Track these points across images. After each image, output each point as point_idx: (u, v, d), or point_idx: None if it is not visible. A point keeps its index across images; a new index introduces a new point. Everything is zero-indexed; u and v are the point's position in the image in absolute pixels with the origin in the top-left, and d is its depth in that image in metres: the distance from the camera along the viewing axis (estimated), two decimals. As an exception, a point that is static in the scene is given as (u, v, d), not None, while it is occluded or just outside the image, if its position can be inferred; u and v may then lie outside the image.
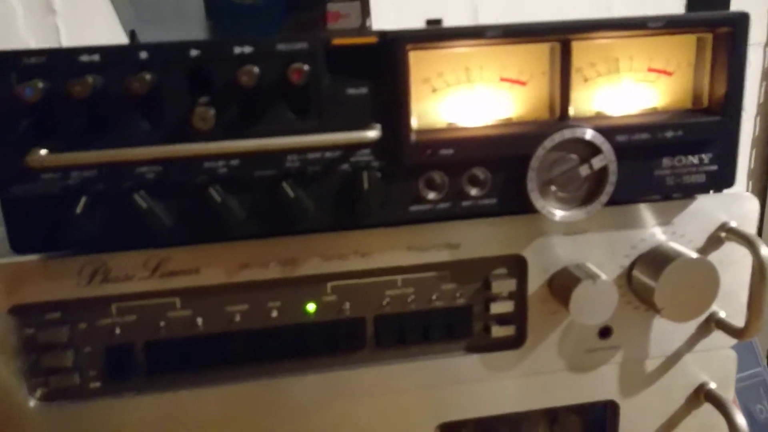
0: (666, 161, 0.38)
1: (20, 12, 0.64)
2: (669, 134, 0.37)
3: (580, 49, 0.37)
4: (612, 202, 0.38)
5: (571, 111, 0.38)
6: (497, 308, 0.41)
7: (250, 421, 0.40)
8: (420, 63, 0.35)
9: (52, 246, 0.35)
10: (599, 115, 0.39)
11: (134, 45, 0.32)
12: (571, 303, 0.38)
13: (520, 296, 0.41)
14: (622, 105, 0.39)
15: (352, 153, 0.35)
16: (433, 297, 0.41)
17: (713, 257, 0.42)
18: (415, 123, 0.36)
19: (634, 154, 0.37)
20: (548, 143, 0.36)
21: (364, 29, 0.55)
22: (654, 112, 0.39)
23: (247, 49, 0.33)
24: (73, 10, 0.65)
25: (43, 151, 0.32)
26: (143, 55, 0.32)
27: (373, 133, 0.34)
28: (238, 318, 0.39)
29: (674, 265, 0.39)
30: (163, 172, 0.34)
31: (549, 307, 0.41)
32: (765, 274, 0.39)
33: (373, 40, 0.34)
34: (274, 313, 0.39)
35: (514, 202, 0.38)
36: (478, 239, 0.40)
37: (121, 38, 0.64)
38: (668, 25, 0.36)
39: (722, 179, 0.39)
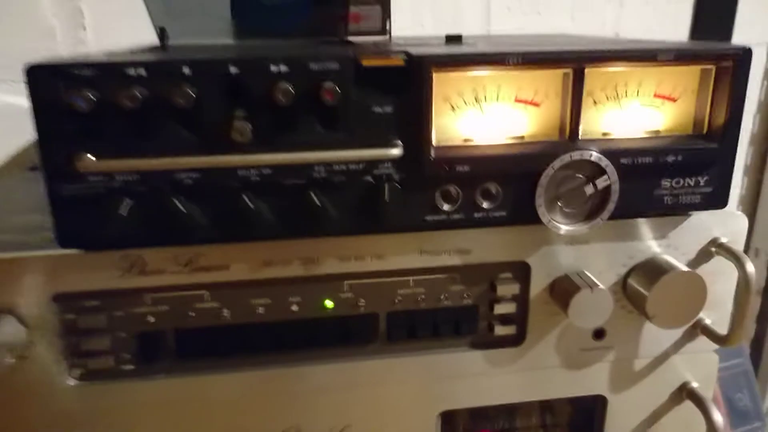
0: (665, 182, 0.41)
1: (45, -6, 0.65)
2: (670, 158, 0.40)
3: (593, 75, 0.39)
4: (612, 216, 0.41)
5: (580, 131, 0.40)
6: (501, 309, 0.44)
7: (268, 404, 0.44)
8: (441, 83, 0.38)
9: (95, 242, 0.37)
10: (606, 136, 0.41)
11: (177, 60, 0.35)
12: (570, 308, 0.42)
13: (522, 299, 0.44)
14: (628, 127, 0.41)
15: (375, 166, 0.38)
16: (442, 297, 0.44)
17: (703, 269, 0.45)
18: (433, 138, 0.38)
19: (636, 175, 0.40)
20: (557, 163, 0.39)
21: (384, 32, 0.57)
22: (657, 134, 0.42)
23: (283, 68, 0.35)
24: (97, -6, 0.67)
25: (91, 157, 0.35)
26: (186, 70, 0.35)
27: (396, 151, 0.36)
28: (261, 311, 0.42)
29: (666, 278, 0.42)
30: (200, 178, 0.36)
31: (548, 310, 0.45)
32: (749, 289, 0.43)
33: (400, 62, 0.36)
34: (295, 308, 0.43)
35: (522, 215, 0.40)
36: (486, 246, 0.43)
37: (142, 22, 0.66)
38: (677, 58, 0.38)
39: (716, 200, 0.42)
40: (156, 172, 0.36)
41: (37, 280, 0.39)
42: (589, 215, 0.41)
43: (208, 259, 0.40)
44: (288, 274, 0.41)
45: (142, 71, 0.34)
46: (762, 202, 0.98)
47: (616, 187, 0.40)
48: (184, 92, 0.34)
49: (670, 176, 0.41)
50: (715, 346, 0.47)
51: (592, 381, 0.47)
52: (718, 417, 0.47)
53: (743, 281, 0.43)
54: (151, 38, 0.60)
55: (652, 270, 0.43)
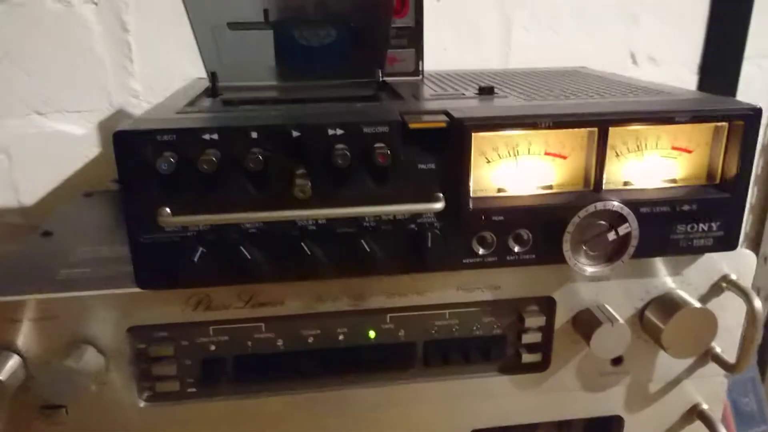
0: (681, 227, 0.45)
1: (97, 30, 0.70)
2: (685, 207, 0.44)
3: (615, 132, 0.43)
4: (632, 257, 0.45)
5: (604, 180, 0.44)
6: (528, 339, 0.49)
7: (316, 423, 0.48)
8: (479, 141, 0.42)
9: (169, 283, 0.42)
10: (627, 185, 0.45)
11: (246, 126, 0.39)
12: (592, 341, 0.46)
13: (547, 330, 0.49)
14: (648, 176, 0.45)
15: (419, 215, 0.42)
16: (474, 327, 0.48)
17: (714, 302, 0.49)
18: (471, 189, 0.43)
19: (654, 222, 0.44)
20: (583, 213, 0.43)
21: (417, 73, 0.61)
22: (674, 182, 0.46)
23: (339, 131, 0.40)
24: (145, 29, 0.71)
25: (169, 212, 0.39)
26: (254, 134, 0.39)
27: (439, 205, 0.41)
28: (311, 340, 0.47)
29: (680, 314, 0.46)
30: (264, 228, 0.41)
31: (571, 339, 0.49)
32: (756, 323, 0.47)
33: (443, 124, 0.41)
34: (341, 337, 0.47)
35: (549, 257, 0.45)
36: (515, 283, 0.47)
37: (184, 55, 0.70)
38: (692, 119, 0.42)
39: (727, 243, 0.46)
40: (225, 224, 0.40)
41: (115, 315, 0.43)
42: (611, 258, 0.45)
43: (267, 295, 0.44)
44: (336, 308, 0.46)
45: (215, 136, 0.39)
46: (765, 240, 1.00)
47: (636, 233, 0.44)
48: (252, 154, 0.39)
49: (685, 222, 0.45)
50: (724, 372, 0.51)
51: (609, 402, 0.52)
52: (725, 436, 0.51)
53: (751, 315, 0.47)
54: (192, 69, 0.65)
55: (668, 305, 0.47)
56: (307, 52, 0.58)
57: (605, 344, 0.46)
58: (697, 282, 0.49)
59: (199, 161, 0.38)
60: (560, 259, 0.45)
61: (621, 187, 0.45)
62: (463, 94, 0.50)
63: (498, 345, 0.49)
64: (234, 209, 0.40)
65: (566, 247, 0.44)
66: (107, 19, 0.70)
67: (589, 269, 0.45)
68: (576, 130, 0.43)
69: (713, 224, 0.45)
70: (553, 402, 0.51)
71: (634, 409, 0.52)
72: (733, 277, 0.48)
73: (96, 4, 0.70)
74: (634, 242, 0.44)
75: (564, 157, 0.44)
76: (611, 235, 0.44)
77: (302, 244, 0.41)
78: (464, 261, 0.44)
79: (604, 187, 0.44)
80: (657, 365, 0.51)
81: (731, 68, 0.97)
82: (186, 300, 0.44)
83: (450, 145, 0.41)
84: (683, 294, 0.48)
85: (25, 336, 0.42)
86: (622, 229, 0.43)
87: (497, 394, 0.50)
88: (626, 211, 0.43)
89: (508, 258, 0.44)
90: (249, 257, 0.41)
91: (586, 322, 0.47)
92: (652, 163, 0.45)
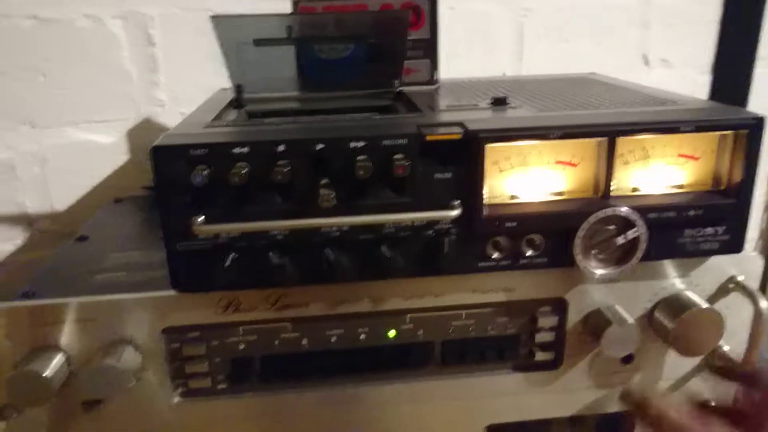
0: (687, 231, 0.47)
1: (125, 44, 0.73)
2: (692, 213, 0.46)
3: (623, 142, 0.45)
4: (640, 260, 0.47)
5: (612, 187, 0.46)
6: (540, 338, 0.51)
7: (338, 418, 0.51)
8: (492, 151, 0.44)
9: (202, 287, 0.45)
10: (635, 192, 0.47)
11: (274, 140, 0.41)
12: (602, 340, 0.48)
13: (560, 329, 0.51)
14: (655, 182, 0.47)
15: (436, 222, 0.44)
16: (489, 327, 0.51)
17: (721, 303, 0.51)
18: (484, 197, 0.45)
19: (662, 226, 0.46)
20: (593, 218, 0.45)
21: (432, 82, 0.64)
22: (681, 188, 0.48)
23: (360, 144, 0.42)
24: (170, 43, 0.74)
25: (202, 221, 0.42)
26: (281, 147, 0.42)
27: (455, 212, 0.43)
28: (334, 339, 0.49)
29: (688, 314, 0.48)
30: (290, 235, 0.43)
31: (582, 339, 0.51)
32: (761, 323, 0.48)
33: (458, 136, 0.43)
34: (363, 336, 0.50)
35: (560, 260, 0.47)
36: (529, 285, 0.49)
37: (207, 66, 0.73)
38: (697, 129, 0.44)
39: (733, 246, 0.48)
40: (255, 232, 0.43)
41: (150, 317, 0.46)
42: (620, 261, 0.47)
43: (292, 298, 0.47)
44: (358, 310, 0.48)
45: (245, 150, 0.41)
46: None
47: (644, 237, 0.46)
48: (279, 166, 0.41)
49: (692, 227, 0.47)
50: (732, 369, 0.53)
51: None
52: None
53: (757, 316, 0.49)
54: (214, 79, 0.67)
55: (676, 305, 0.49)
56: (326, 65, 0.61)
57: (615, 343, 0.48)
58: (705, 283, 0.50)
59: (230, 173, 0.40)
60: (571, 263, 0.47)
61: (629, 193, 0.47)
62: (477, 105, 0.52)
63: (512, 344, 0.51)
64: (262, 218, 0.42)
65: (577, 251, 0.46)
66: (134, 33, 0.73)
67: (599, 272, 0.47)
68: (585, 140, 0.45)
69: (719, 228, 0.47)
70: (565, 399, 0.53)
71: (644, 406, 0.54)
72: (740, 278, 0.50)
73: (124, 19, 0.73)
74: (642, 246, 0.46)
75: (574, 165, 0.46)
76: (620, 240, 0.46)
77: (326, 250, 0.44)
78: (479, 265, 0.46)
79: (612, 193, 0.46)
80: (666, 364, 0.53)
81: (743, 70, 0.97)
82: (217, 302, 0.46)
83: (465, 156, 0.43)
84: (691, 295, 0.50)
85: (67, 336, 0.46)
86: (631, 234, 0.45)
87: (511, 391, 0.52)
88: (634, 216, 0.45)
89: (521, 262, 0.46)
90: (276, 263, 0.44)
91: (597, 322, 0.49)
92: (659, 171, 0.47)
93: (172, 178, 0.42)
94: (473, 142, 0.43)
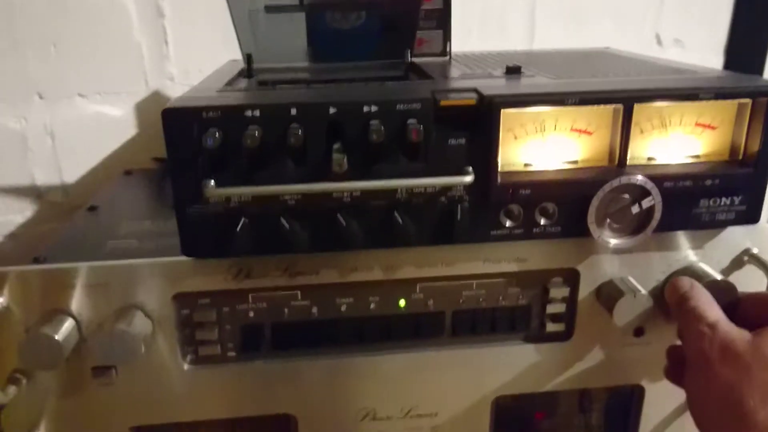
0: (703, 202, 0.46)
1: (134, 15, 0.72)
2: (708, 182, 0.45)
3: (640, 109, 0.44)
4: (654, 230, 0.47)
5: (628, 156, 0.46)
6: (552, 309, 0.51)
7: (348, 388, 0.51)
8: (507, 117, 0.44)
9: (213, 252, 0.45)
10: (650, 161, 0.47)
11: (286, 103, 0.41)
12: (614, 311, 0.48)
13: (571, 301, 0.50)
14: (671, 152, 0.47)
15: (449, 189, 0.44)
16: (500, 298, 0.50)
17: (735, 276, 0.50)
18: (499, 164, 0.44)
19: (677, 196, 0.46)
20: (607, 187, 0.44)
21: (445, 53, 0.63)
22: (697, 158, 0.47)
23: (374, 108, 0.42)
24: (180, 15, 0.73)
25: (214, 184, 0.41)
26: (293, 111, 0.41)
27: (468, 178, 0.43)
28: (344, 308, 0.49)
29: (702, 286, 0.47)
30: (302, 200, 0.43)
31: (594, 310, 0.51)
32: (777, 296, 0.48)
33: (472, 102, 0.42)
34: (373, 306, 0.49)
35: (574, 230, 0.46)
36: (541, 255, 0.49)
37: (216, 36, 0.72)
38: (716, 96, 0.43)
39: (750, 217, 0.47)
40: (266, 196, 0.43)
41: (161, 282, 0.46)
42: (635, 231, 0.46)
43: (303, 265, 0.47)
44: (369, 278, 0.48)
45: (257, 113, 0.41)
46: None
47: (659, 207, 0.45)
48: (291, 129, 0.41)
49: (708, 197, 0.46)
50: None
51: (631, 372, 0.54)
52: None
53: (771, 289, 0.48)
54: (224, 53, 0.67)
55: (689, 277, 0.49)
56: (338, 35, 0.60)
57: (627, 315, 0.48)
58: (719, 256, 0.50)
59: (243, 136, 0.40)
60: (585, 232, 0.46)
61: (645, 162, 0.47)
62: (491, 74, 0.52)
63: (523, 315, 0.51)
64: (274, 182, 0.42)
65: (591, 219, 0.45)
66: (144, 5, 0.72)
67: (613, 242, 0.46)
68: (602, 107, 0.44)
69: (735, 198, 0.46)
70: (575, 371, 0.53)
71: (655, 379, 0.54)
72: (755, 251, 0.50)
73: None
74: (657, 215, 0.45)
75: (590, 134, 0.46)
76: (635, 209, 0.45)
77: (338, 216, 0.44)
78: (492, 233, 0.46)
79: (628, 162, 0.46)
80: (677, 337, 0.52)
81: (758, 50, 0.96)
82: (227, 269, 0.46)
83: (479, 122, 0.43)
84: (705, 267, 0.49)
85: (78, 301, 0.45)
86: (646, 203, 0.45)
87: (522, 362, 0.52)
88: (650, 185, 0.45)
89: (534, 231, 0.46)
90: (288, 228, 0.43)
91: (609, 293, 0.49)
92: (676, 140, 0.47)
93: (183, 142, 0.41)
94: (488, 108, 0.42)
